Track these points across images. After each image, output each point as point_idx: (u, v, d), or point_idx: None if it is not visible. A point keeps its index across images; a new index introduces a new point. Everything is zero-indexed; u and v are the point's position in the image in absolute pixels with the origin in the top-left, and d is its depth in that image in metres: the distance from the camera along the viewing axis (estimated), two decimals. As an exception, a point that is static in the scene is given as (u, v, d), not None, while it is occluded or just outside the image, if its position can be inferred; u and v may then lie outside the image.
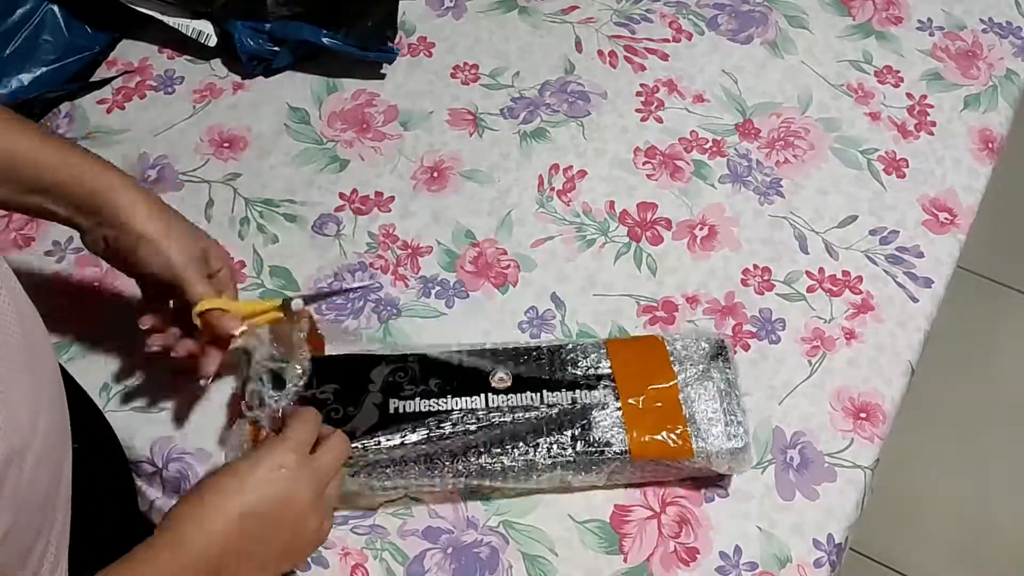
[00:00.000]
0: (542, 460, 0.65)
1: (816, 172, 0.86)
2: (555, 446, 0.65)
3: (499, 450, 0.65)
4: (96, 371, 0.74)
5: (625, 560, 0.66)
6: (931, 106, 0.91)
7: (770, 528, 0.68)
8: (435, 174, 0.86)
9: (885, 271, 0.81)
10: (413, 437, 0.64)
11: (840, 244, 0.82)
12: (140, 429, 0.71)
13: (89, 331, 0.76)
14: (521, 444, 0.65)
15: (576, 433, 0.65)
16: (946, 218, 0.84)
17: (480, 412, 0.66)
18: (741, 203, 0.84)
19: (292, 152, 0.87)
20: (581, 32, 0.96)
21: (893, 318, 0.78)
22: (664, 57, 0.94)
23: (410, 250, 0.81)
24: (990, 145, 0.89)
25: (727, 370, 0.69)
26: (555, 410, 0.66)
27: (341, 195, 0.84)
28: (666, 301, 0.78)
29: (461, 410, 0.66)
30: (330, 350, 0.72)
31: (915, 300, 0.79)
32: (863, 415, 0.73)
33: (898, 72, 0.94)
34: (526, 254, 0.81)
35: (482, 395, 0.67)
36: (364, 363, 0.69)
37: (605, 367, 0.69)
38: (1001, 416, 1.56)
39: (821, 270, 0.80)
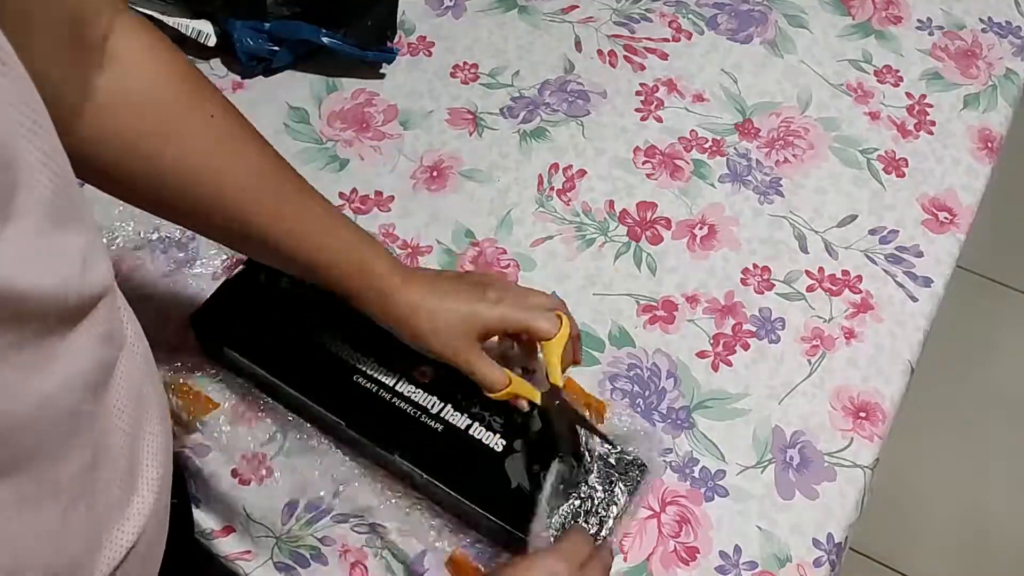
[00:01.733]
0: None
1: (816, 171, 0.86)
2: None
3: (362, 424, 0.65)
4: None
5: (625, 559, 0.66)
6: (931, 105, 0.91)
7: (770, 527, 0.68)
8: (435, 173, 0.86)
9: (885, 271, 0.81)
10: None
11: (840, 243, 0.82)
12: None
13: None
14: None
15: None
16: (945, 217, 0.84)
17: (383, 387, 0.66)
18: (741, 202, 0.84)
19: (292, 151, 0.87)
20: (581, 31, 0.96)
21: (893, 317, 0.78)
22: (664, 56, 0.94)
23: (410, 249, 0.81)
24: (989, 144, 0.89)
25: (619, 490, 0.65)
26: (441, 426, 0.65)
27: (341, 194, 0.84)
28: (666, 300, 0.78)
29: (369, 376, 0.67)
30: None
31: (915, 299, 0.79)
32: (863, 414, 0.73)
33: (898, 71, 0.94)
34: (526, 253, 0.81)
35: (398, 375, 0.67)
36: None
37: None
38: (1001, 415, 1.56)
39: (821, 269, 0.80)
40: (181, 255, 0.80)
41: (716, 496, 0.69)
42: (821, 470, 0.70)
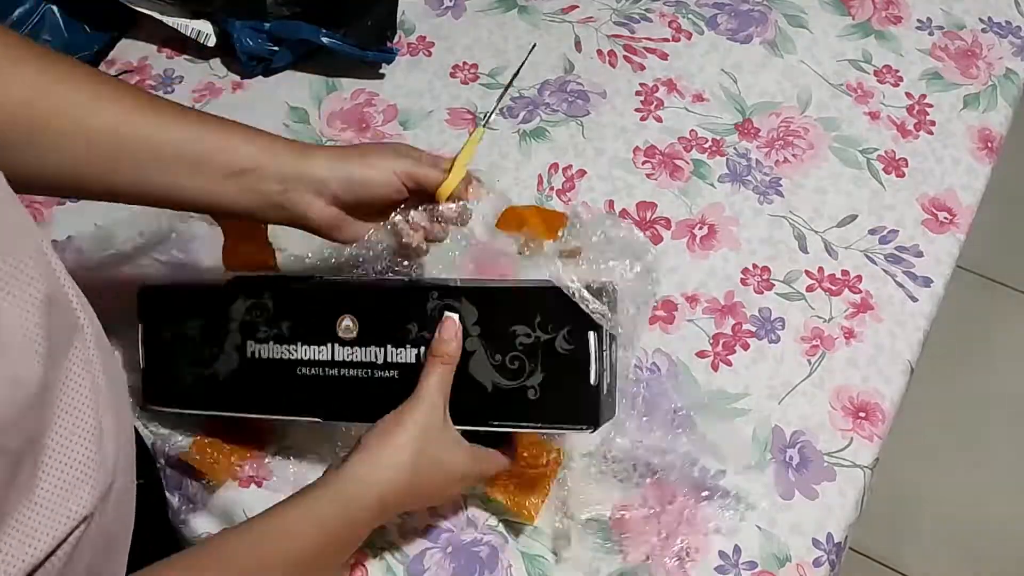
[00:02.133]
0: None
1: (815, 171, 0.86)
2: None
3: (332, 411, 0.63)
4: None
5: (624, 559, 0.66)
6: (930, 105, 0.91)
7: (769, 527, 0.68)
8: (434, 173, 0.86)
9: (884, 270, 0.81)
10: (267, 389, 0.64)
11: (839, 243, 0.82)
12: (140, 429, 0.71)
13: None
14: (353, 411, 0.62)
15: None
16: (945, 217, 0.84)
17: (325, 365, 0.62)
18: (740, 202, 0.84)
19: (291, 151, 0.87)
20: (580, 31, 0.96)
21: (892, 317, 0.78)
22: (663, 56, 0.94)
23: (409, 249, 0.81)
24: (989, 144, 0.89)
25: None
26: (396, 372, 0.61)
27: (340, 194, 0.84)
28: (665, 301, 0.78)
29: (309, 360, 0.62)
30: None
31: (914, 299, 0.79)
32: (862, 414, 0.73)
33: (897, 71, 0.94)
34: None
35: (328, 345, 0.62)
36: (223, 297, 0.65)
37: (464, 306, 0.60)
38: (1000, 415, 1.56)
39: (820, 269, 0.80)
40: (181, 256, 0.80)
41: (716, 496, 0.69)
42: (821, 470, 0.70)
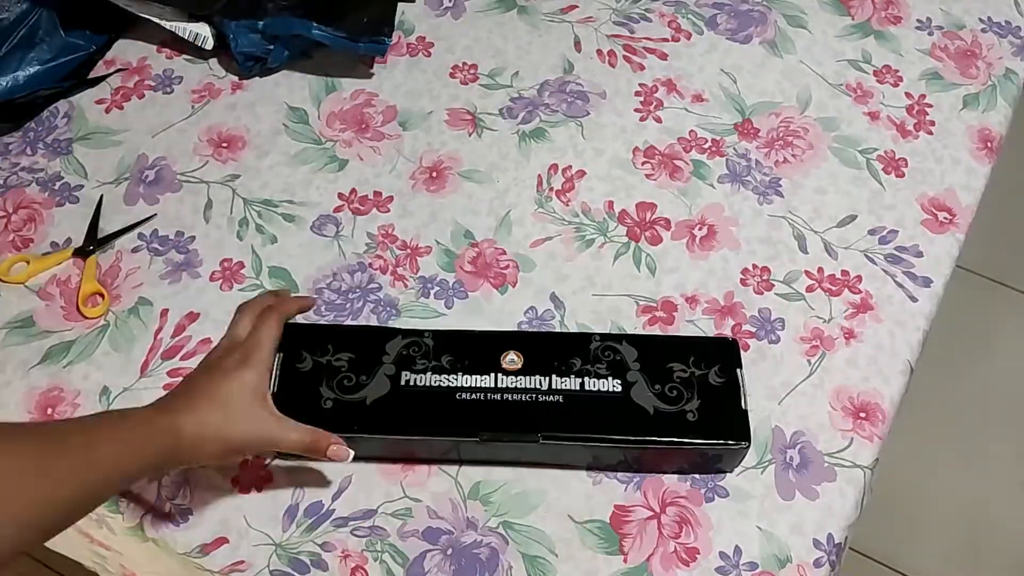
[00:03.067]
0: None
1: (815, 171, 0.86)
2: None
3: (494, 430, 0.67)
4: (96, 375, 0.74)
5: (625, 560, 0.66)
6: (930, 105, 0.91)
7: (770, 528, 0.68)
8: (434, 174, 0.86)
9: (884, 271, 0.81)
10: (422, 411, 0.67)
11: (839, 244, 0.82)
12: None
13: (88, 335, 0.76)
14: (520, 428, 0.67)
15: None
16: (945, 217, 0.84)
17: (488, 391, 0.67)
18: (740, 203, 0.84)
19: (291, 152, 0.87)
20: (580, 32, 0.96)
21: (892, 317, 0.78)
22: (663, 56, 0.94)
23: (409, 250, 0.81)
24: (989, 144, 0.89)
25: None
26: (560, 397, 0.67)
27: (340, 195, 0.84)
28: (665, 301, 0.78)
29: (470, 387, 0.67)
30: None
31: (914, 300, 0.79)
32: (862, 415, 0.73)
33: (897, 71, 0.94)
34: (525, 254, 0.81)
35: (491, 374, 0.68)
36: (380, 335, 0.70)
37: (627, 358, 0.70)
38: (1000, 415, 1.56)
39: (820, 270, 0.80)
40: (180, 257, 0.80)
41: (716, 497, 0.69)
42: (821, 470, 0.70)
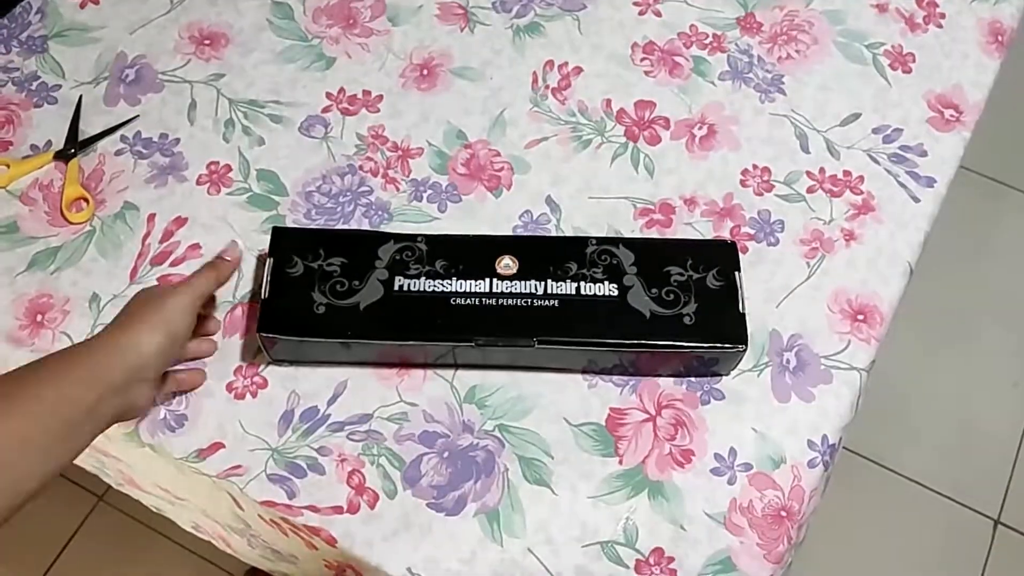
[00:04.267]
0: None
1: (819, 68, 0.84)
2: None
3: (490, 334, 0.66)
4: (84, 281, 0.73)
5: (620, 462, 0.67)
6: (940, -3, 0.88)
7: (765, 430, 0.68)
8: (425, 72, 0.83)
9: (887, 170, 0.79)
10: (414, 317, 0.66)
11: (842, 143, 0.80)
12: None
13: (74, 241, 0.75)
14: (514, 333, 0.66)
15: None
16: (952, 115, 0.82)
17: (483, 296, 0.66)
18: (741, 101, 0.82)
19: (276, 50, 0.84)
20: (576, -81, 0.91)
21: (894, 219, 0.77)
22: (663, -54, 0.90)
23: (400, 152, 0.79)
24: (999, 38, 0.86)
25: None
26: (555, 301, 0.66)
27: (328, 95, 0.82)
28: (663, 203, 0.77)
29: (465, 292, 0.66)
30: None
31: (917, 200, 0.78)
32: (860, 317, 0.72)
33: (907, -39, 0.90)
34: (520, 155, 0.79)
35: (486, 279, 0.67)
36: (372, 240, 0.69)
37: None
38: (996, 315, 1.57)
39: (822, 170, 0.79)
40: (165, 160, 0.78)
41: (712, 399, 0.69)
42: (817, 373, 0.70)
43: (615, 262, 0.68)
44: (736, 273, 0.68)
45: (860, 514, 1.41)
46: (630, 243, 0.69)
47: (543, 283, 0.67)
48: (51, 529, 1.38)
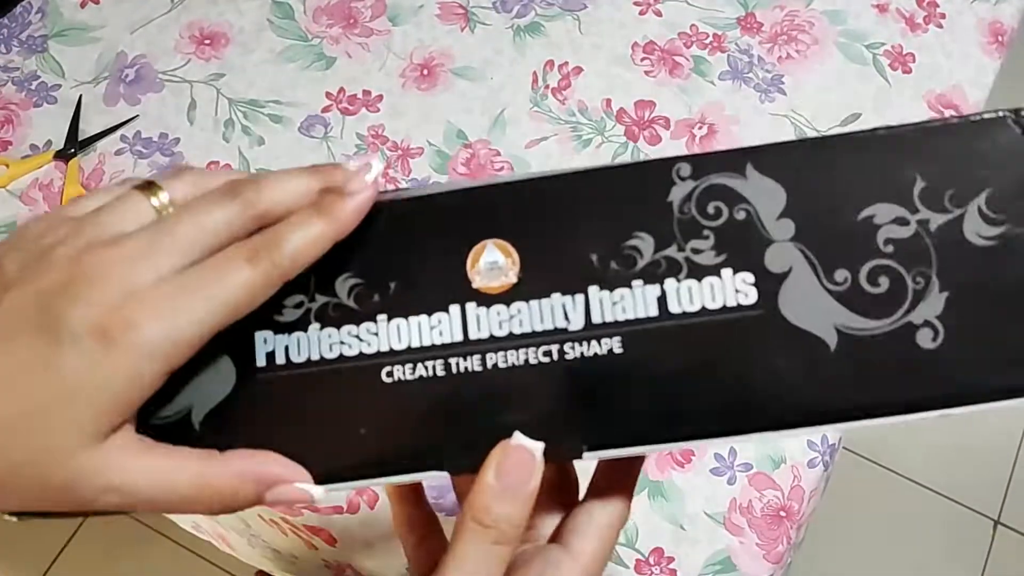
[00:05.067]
0: None
1: (819, 68, 0.84)
2: None
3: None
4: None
5: (620, 462, 0.67)
6: (941, -3, 0.88)
7: (765, 430, 0.68)
8: (425, 71, 0.83)
9: (887, 171, 0.79)
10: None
11: (842, 143, 0.80)
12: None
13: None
14: None
15: None
16: (952, 115, 0.82)
17: (450, 353, 0.32)
18: (741, 101, 0.82)
19: (276, 49, 0.84)
20: (576, -81, 0.92)
21: (894, 219, 0.77)
22: (663, -54, 0.90)
23: (400, 151, 0.79)
24: (1000, 38, 0.86)
25: None
26: (617, 339, 0.31)
27: (328, 94, 0.82)
28: (663, 203, 0.77)
29: (411, 352, 0.32)
30: None
31: (917, 200, 0.77)
32: (861, 317, 0.72)
33: (908, -39, 0.90)
34: (520, 155, 0.79)
35: (452, 309, 0.32)
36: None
37: None
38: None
39: (822, 170, 0.79)
40: (165, 160, 0.78)
41: (712, 399, 0.69)
42: (817, 373, 0.70)
43: (743, 216, 0.31)
44: None
45: (860, 514, 1.41)
46: (771, 162, 0.31)
47: (579, 299, 0.31)
48: (51, 529, 1.38)
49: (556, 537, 0.37)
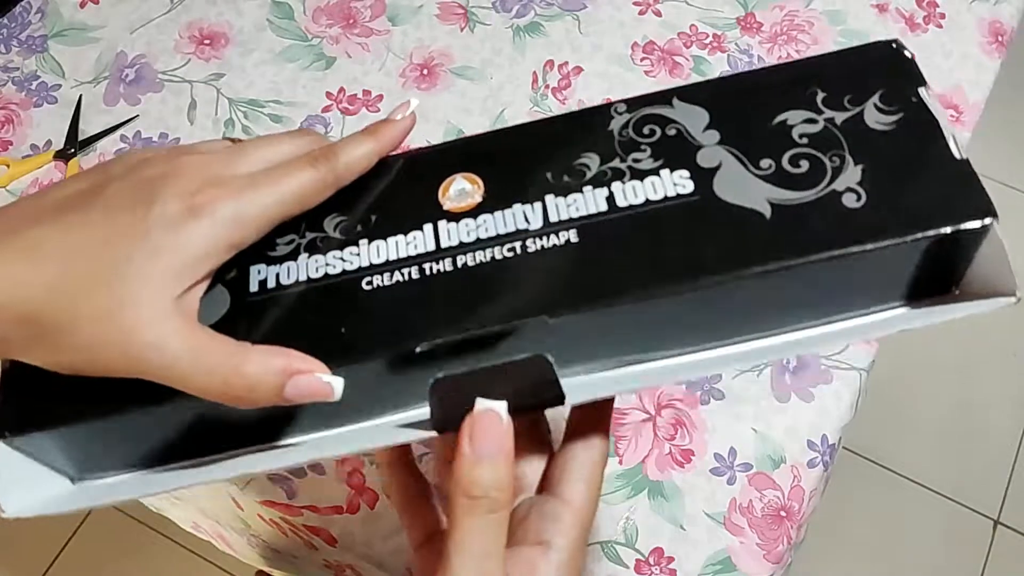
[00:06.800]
0: None
1: (819, 68, 0.84)
2: None
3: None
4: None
5: (620, 462, 0.67)
6: (941, -3, 0.88)
7: (765, 430, 0.68)
8: (425, 71, 0.83)
9: (887, 171, 0.79)
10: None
11: (842, 143, 0.80)
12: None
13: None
14: None
15: None
16: (952, 115, 0.82)
17: (426, 259, 0.36)
18: (741, 101, 0.82)
19: (276, 49, 0.84)
20: (576, -81, 0.92)
21: (894, 219, 0.77)
22: (663, -54, 0.90)
23: (400, 151, 0.79)
24: (1000, 38, 0.86)
25: None
26: (572, 231, 0.36)
27: (328, 94, 0.82)
28: (663, 203, 0.77)
29: (389, 264, 0.36)
30: None
31: (917, 200, 0.78)
32: (861, 317, 0.72)
33: (908, -39, 0.90)
34: (520, 155, 0.79)
35: (427, 227, 0.37)
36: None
37: None
38: (993, 317, 1.57)
39: (822, 170, 0.79)
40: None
41: (712, 399, 0.69)
42: (818, 373, 0.70)
43: (673, 132, 0.37)
44: (923, 91, 0.37)
45: (860, 514, 1.41)
46: (696, 93, 0.38)
47: (537, 205, 0.36)
48: (51, 529, 1.38)
49: (544, 486, 0.40)
